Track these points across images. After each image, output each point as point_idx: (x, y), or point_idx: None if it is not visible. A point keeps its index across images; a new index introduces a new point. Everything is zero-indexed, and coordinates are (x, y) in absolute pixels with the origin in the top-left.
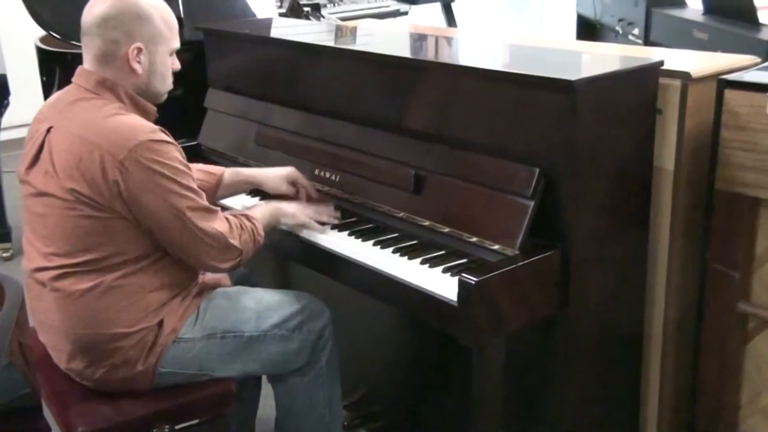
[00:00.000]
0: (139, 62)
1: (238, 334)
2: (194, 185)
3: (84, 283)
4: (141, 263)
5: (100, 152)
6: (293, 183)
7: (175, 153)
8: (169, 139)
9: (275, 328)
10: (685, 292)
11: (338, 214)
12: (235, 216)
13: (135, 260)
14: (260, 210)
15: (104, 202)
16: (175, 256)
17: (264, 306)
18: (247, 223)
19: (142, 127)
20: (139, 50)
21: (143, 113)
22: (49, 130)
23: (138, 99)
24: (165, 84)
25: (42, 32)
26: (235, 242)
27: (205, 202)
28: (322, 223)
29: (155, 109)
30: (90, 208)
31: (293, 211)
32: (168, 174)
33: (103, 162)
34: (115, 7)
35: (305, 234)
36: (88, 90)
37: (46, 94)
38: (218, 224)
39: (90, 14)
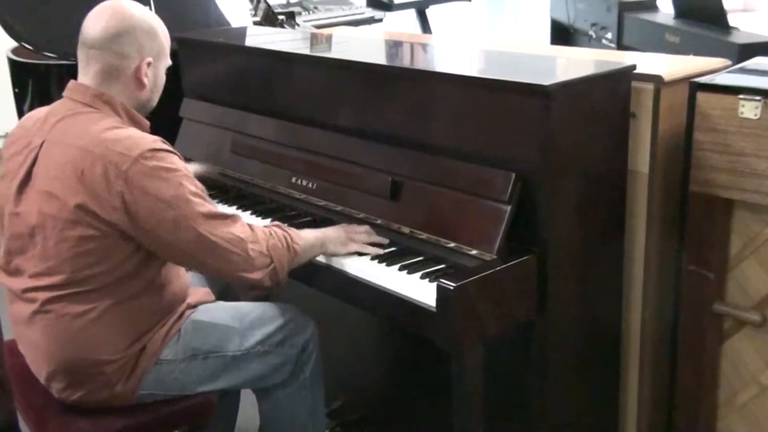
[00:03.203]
0: (147, 76)
1: (221, 354)
2: (202, 192)
3: (75, 308)
4: (133, 288)
5: (104, 163)
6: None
7: (179, 161)
8: (171, 148)
9: (258, 345)
10: (662, 294)
11: (386, 240)
12: (265, 226)
13: (127, 284)
14: (303, 230)
15: (106, 216)
16: (200, 272)
17: (247, 323)
18: (278, 231)
19: (144, 138)
20: (149, 64)
21: (138, 127)
22: (42, 144)
23: (134, 113)
24: (158, 98)
25: (14, 43)
26: (259, 247)
27: (217, 209)
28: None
29: (148, 123)
30: (90, 227)
31: (344, 239)
32: (175, 180)
33: (107, 173)
34: (127, 23)
35: None
36: (84, 104)
37: (19, 105)
38: (236, 229)
39: (97, 29)
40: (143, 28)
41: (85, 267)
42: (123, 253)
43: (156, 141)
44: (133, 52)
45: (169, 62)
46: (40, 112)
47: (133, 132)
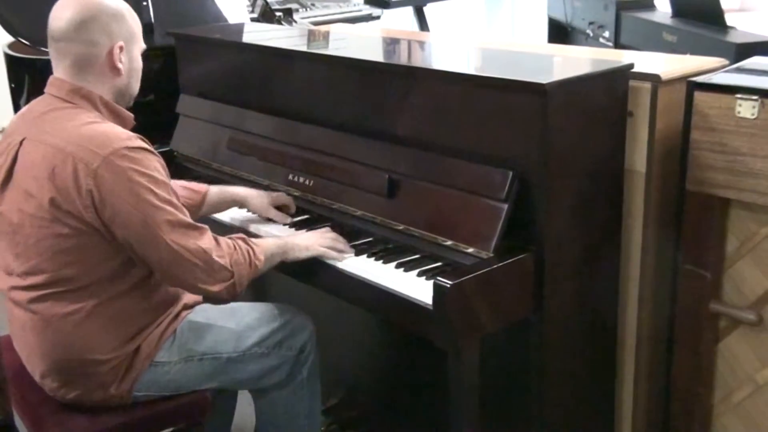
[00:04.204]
0: (121, 62)
1: (216, 355)
2: (174, 198)
3: (62, 308)
4: (120, 287)
5: (74, 161)
6: (279, 207)
7: (153, 162)
8: (148, 146)
9: (255, 346)
10: (658, 293)
11: (351, 250)
12: (229, 237)
13: (112, 283)
14: (266, 240)
15: (77, 214)
16: (159, 278)
17: (244, 325)
18: (242, 245)
19: (117, 135)
20: (121, 49)
21: (120, 121)
22: (22, 142)
23: (114, 106)
24: (138, 85)
25: (10, 38)
26: (223, 261)
27: (186, 217)
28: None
29: (132, 115)
30: (65, 225)
31: (306, 244)
32: (144, 183)
33: (76, 171)
34: (90, 9)
35: None
36: (62, 99)
37: (15, 101)
38: (202, 241)
39: (61, 20)
40: (109, 13)
41: (65, 265)
42: (103, 253)
43: (131, 138)
44: (102, 38)
45: (143, 46)
46: (25, 108)
47: (110, 128)
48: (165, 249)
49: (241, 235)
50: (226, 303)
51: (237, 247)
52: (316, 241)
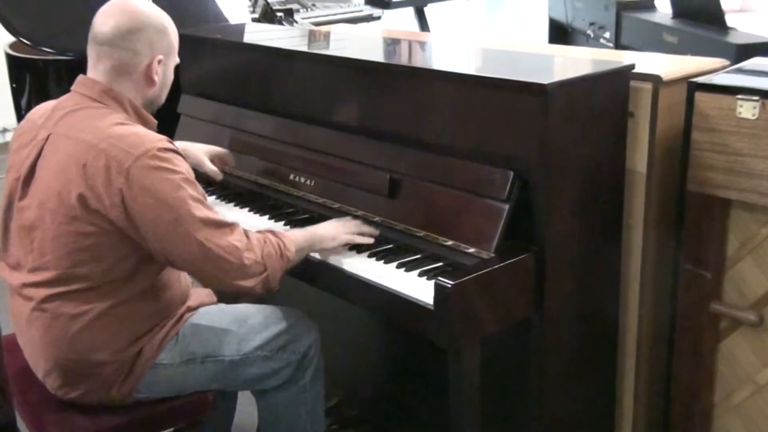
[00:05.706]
0: (157, 74)
1: (218, 358)
2: (203, 198)
3: (72, 308)
4: (131, 291)
5: (107, 158)
6: (214, 160)
7: (183, 163)
8: (177, 149)
9: (258, 350)
10: (659, 293)
11: (377, 231)
12: (259, 232)
13: (124, 286)
14: (293, 231)
15: (104, 212)
16: (193, 277)
17: (247, 327)
18: (272, 238)
19: (149, 136)
20: (160, 62)
21: (145, 125)
22: (48, 137)
23: (141, 111)
24: (166, 96)
25: (11, 38)
26: (254, 256)
27: (217, 215)
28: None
29: (155, 122)
30: (88, 223)
31: (332, 234)
32: (177, 182)
33: (108, 169)
34: (139, 20)
35: None
36: (92, 98)
37: (16, 101)
38: (233, 237)
39: (108, 26)
40: (155, 26)
41: (79, 264)
42: (118, 254)
43: (162, 140)
44: (144, 49)
45: (177, 60)
46: (48, 104)
47: (140, 129)
48: (197, 247)
49: (270, 228)
50: (261, 297)
51: (267, 241)
52: (340, 230)
